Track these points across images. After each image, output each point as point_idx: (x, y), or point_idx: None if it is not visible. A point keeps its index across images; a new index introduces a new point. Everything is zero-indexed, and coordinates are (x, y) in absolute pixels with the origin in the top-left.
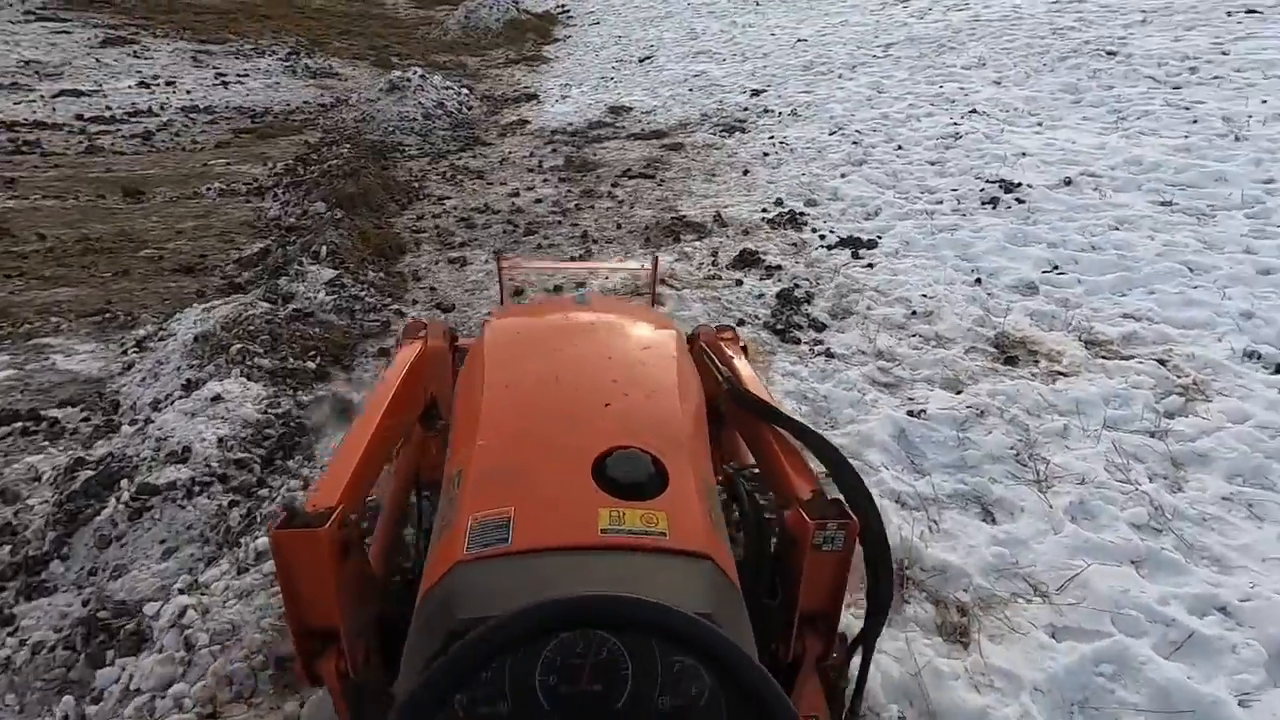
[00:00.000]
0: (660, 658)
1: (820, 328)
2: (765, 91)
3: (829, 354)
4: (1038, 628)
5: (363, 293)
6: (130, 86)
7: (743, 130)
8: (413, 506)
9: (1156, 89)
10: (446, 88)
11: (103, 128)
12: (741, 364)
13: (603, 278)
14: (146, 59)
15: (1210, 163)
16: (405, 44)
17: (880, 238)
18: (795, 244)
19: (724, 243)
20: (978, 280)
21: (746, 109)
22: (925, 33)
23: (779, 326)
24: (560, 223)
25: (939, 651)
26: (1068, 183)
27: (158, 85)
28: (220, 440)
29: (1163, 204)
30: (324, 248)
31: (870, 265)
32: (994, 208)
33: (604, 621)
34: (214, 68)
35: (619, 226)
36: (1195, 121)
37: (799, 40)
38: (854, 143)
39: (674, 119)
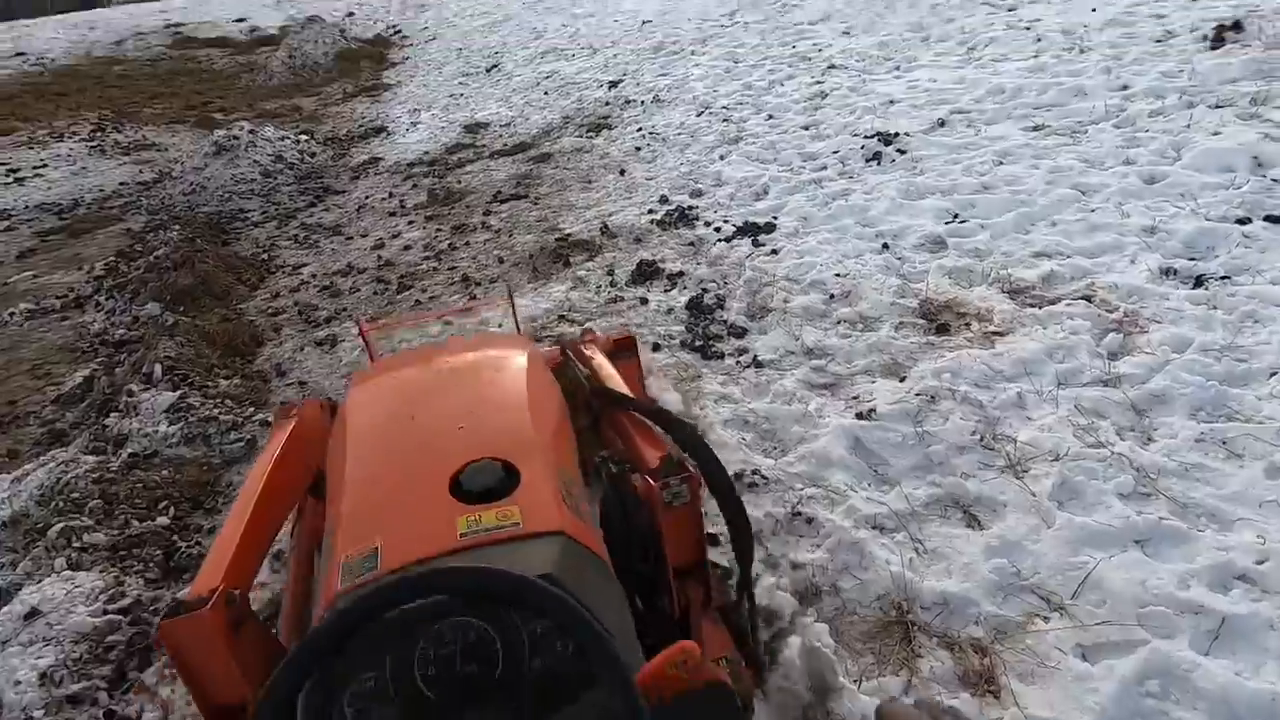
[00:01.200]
0: (523, 625)
1: (740, 333)
2: (622, 81)
3: (757, 363)
4: (1066, 652)
5: (216, 410)
6: None
7: (609, 127)
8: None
9: (994, 14)
10: (283, 138)
11: None
12: (599, 362)
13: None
14: None
15: (1065, 79)
16: (227, 97)
17: (776, 218)
18: (692, 243)
19: (618, 257)
20: (885, 246)
21: (608, 103)
22: None
23: (697, 343)
24: (436, 269)
25: (971, 711)
26: (941, 124)
27: None
28: (44, 675)
29: (1035, 129)
30: (157, 365)
31: (775, 252)
32: (879, 163)
33: (418, 594)
34: (1, 164)
35: (501, 261)
36: (1039, 40)
37: (644, 22)
38: (724, 120)
39: (535, 127)
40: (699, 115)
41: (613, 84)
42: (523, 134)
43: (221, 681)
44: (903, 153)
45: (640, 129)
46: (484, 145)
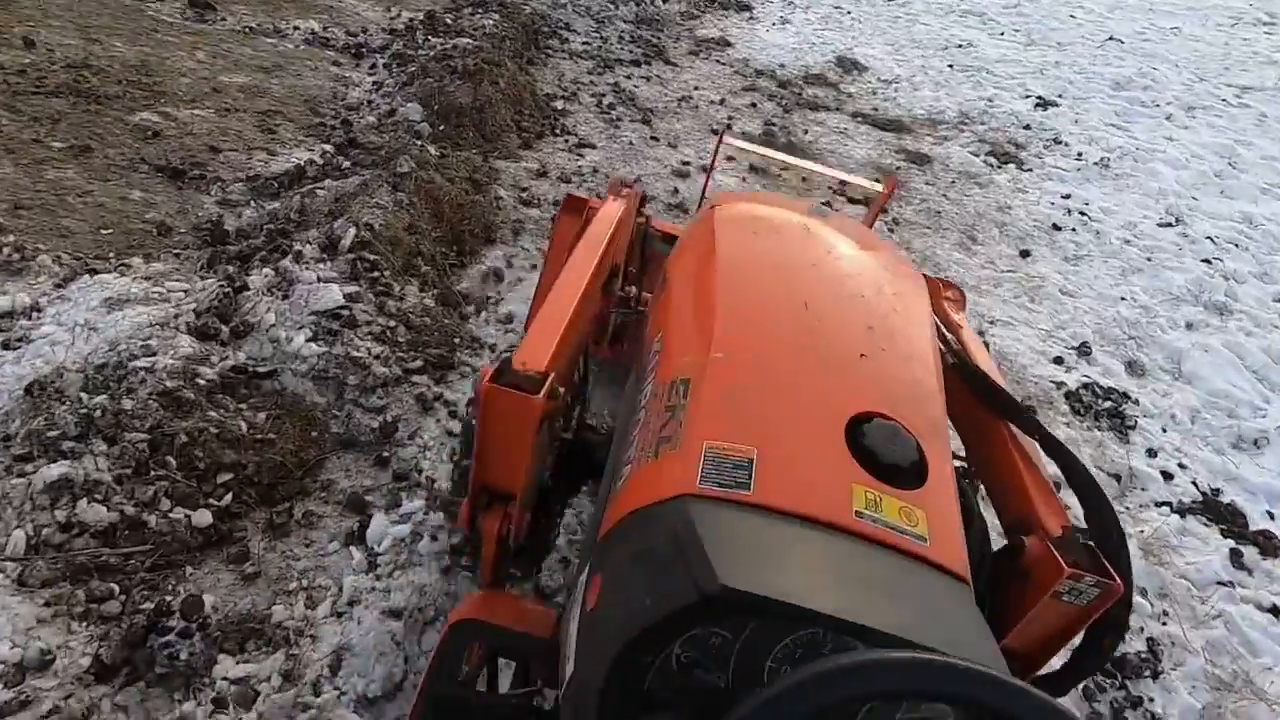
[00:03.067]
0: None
1: None
2: (1057, 105)
3: None
4: None
5: (375, 347)
6: None
7: (1020, 163)
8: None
9: None
10: None
11: None
12: (969, 333)
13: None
14: None
15: None
16: None
17: (1278, 518)
18: (1116, 475)
19: None
20: None
21: (1028, 126)
22: None
23: None
24: None
25: None
26: None
27: None
28: None
29: None
30: (352, 230)
31: (1276, 611)
32: None
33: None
34: None
35: None
36: None
37: (1110, 38)
38: (1205, 261)
39: (921, 106)
40: (1162, 225)
41: (1042, 103)
42: (903, 107)
43: (506, 466)
44: None
45: (1068, 197)
46: (850, 94)
